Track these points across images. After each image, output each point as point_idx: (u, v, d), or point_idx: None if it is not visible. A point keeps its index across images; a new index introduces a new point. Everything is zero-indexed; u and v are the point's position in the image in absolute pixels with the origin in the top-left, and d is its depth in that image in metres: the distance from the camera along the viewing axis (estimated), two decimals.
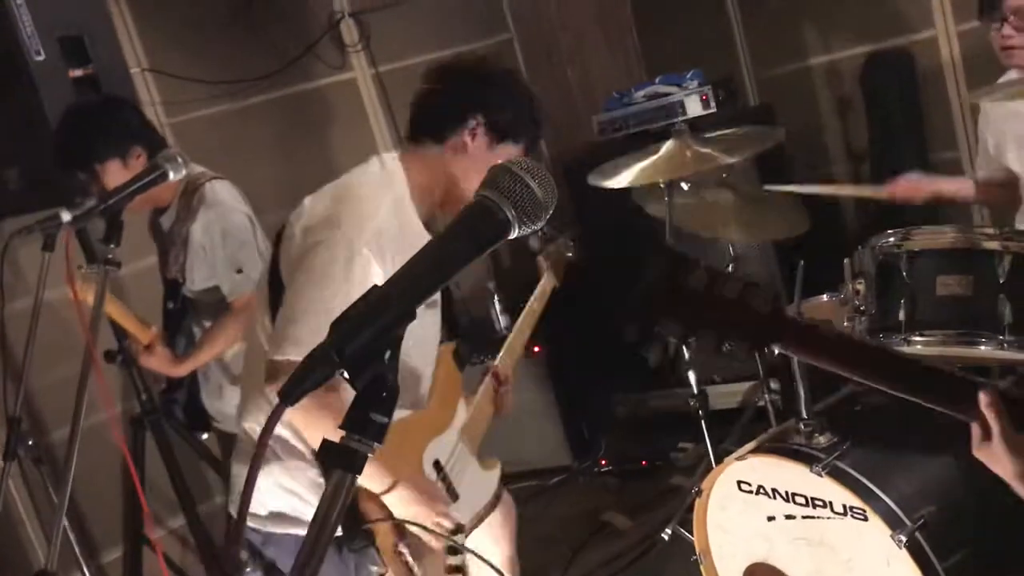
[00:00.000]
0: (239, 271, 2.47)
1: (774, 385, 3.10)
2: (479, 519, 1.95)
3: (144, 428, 2.97)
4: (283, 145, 3.83)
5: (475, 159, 1.77)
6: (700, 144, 2.68)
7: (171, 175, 1.87)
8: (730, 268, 2.93)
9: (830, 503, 2.08)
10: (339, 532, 1.70)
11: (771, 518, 2.21)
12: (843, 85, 3.91)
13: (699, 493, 2.34)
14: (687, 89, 3.64)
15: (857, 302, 2.12)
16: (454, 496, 1.87)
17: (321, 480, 1.74)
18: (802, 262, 2.27)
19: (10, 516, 3.23)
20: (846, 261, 2.16)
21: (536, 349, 3.76)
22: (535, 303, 2.29)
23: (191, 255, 2.50)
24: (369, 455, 0.68)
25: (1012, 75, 2.57)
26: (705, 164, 2.61)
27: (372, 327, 0.69)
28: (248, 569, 3.32)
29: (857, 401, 2.35)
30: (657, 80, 3.78)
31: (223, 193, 2.51)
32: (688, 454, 3.60)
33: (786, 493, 2.17)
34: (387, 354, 0.69)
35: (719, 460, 2.65)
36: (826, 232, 3.58)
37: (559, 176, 4.34)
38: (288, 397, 0.67)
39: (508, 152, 1.81)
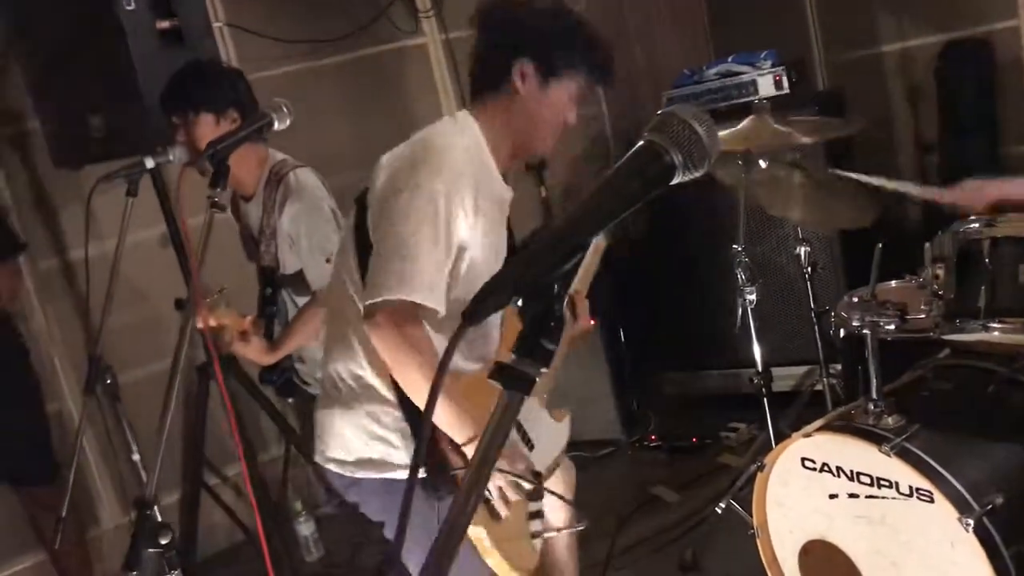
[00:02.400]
0: (328, 260, 2.47)
1: (833, 369, 3.11)
2: (555, 466, 1.99)
3: (208, 377, 3.05)
4: (354, 107, 3.87)
5: (532, 101, 1.79)
6: (779, 122, 2.68)
7: (276, 124, 1.91)
8: (800, 249, 2.93)
9: (896, 484, 2.09)
10: (424, 476, 1.77)
11: (833, 496, 2.23)
12: (916, 73, 3.87)
13: (761, 467, 2.36)
14: (760, 69, 3.63)
15: (936, 286, 2.12)
16: (530, 446, 1.91)
17: (405, 424, 1.79)
18: (880, 245, 2.26)
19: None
20: (927, 245, 2.15)
21: (591, 322, 3.78)
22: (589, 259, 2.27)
23: (281, 244, 2.55)
24: (538, 378, 0.72)
25: None
26: (783, 141, 2.61)
27: (545, 260, 0.72)
28: (301, 519, 3.39)
29: (924, 387, 2.35)
30: (730, 59, 3.77)
31: (307, 183, 2.54)
32: (739, 434, 3.62)
33: (851, 472, 2.18)
34: (556, 287, 0.72)
35: (777, 441, 2.67)
36: (893, 218, 3.57)
37: (623, 151, 4.34)
38: (472, 318, 0.70)
39: (566, 90, 1.81)
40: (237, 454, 3.28)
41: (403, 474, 1.81)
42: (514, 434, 1.87)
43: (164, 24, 2.91)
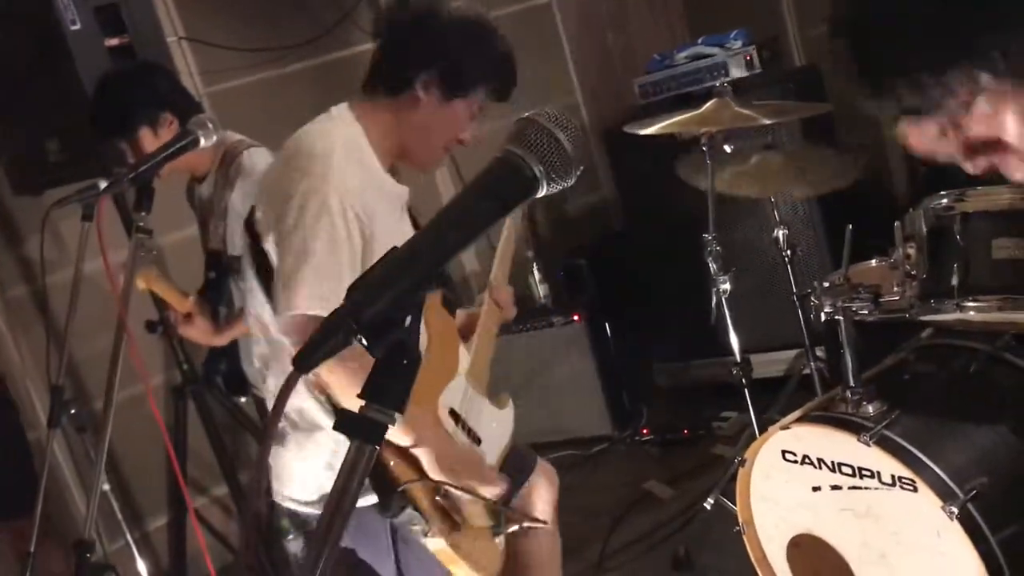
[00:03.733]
0: None
1: (819, 353, 3.04)
2: (505, 455, 1.95)
3: (186, 397, 3.00)
4: (320, 112, 3.80)
5: (430, 114, 1.76)
6: (741, 105, 2.60)
7: (202, 141, 1.85)
8: (777, 233, 2.85)
9: (878, 473, 2.03)
10: (373, 500, 1.71)
11: (816, 488, 2.16)
12: None
13: (742, 463, 2.29)
14: (730, 50, 3.55)
15: (908, 266, 2.05)
16: (476, 440, 1.86)
17: None
18: (850, 226, 2.19)
19: (57, 483, 3.29)
20: (896, 224, 2.08)
21: (575, 317, 3.72)
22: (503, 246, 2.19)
23: (230, 224, 2.49)
24: (389, 425, 0.65)
25: None
26: (746, 123, 2.53)
27: (391, 291, 0.65)
28: (290, 537, 3.34)
29: (905, 369, 2.28)
30: (699, 41, 3.69)
31: (261, 162, 2.49)
32: (731, 423, 3.55)
33: (832, 463, 2.11)
34: (408, 319, 0.65)
35: (763, 430, 2.60)
36: (874, 196, 3.49)
37: (599, 141, 4.28)
38: (302, 365, 0.64)
39: (467, 107, 1.78)
40: (222, 474, 3.25)
41: (362, 502, 1.76)
42: (452, 424, 1.81)
43: (114, 41, 2.86)
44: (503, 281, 2.11)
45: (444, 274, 1.98)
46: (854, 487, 2.09)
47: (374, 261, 1.63)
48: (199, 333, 2.54)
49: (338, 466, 1.71)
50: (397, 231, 1.80)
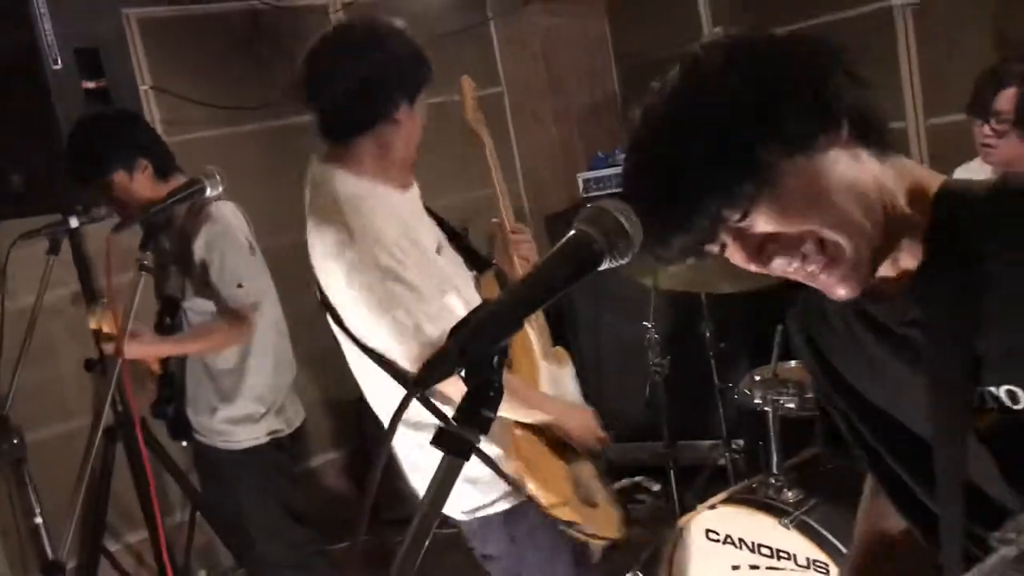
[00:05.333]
0: (239, 285, 2.53)
1: (736, 444, 3.23)
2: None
3: (116, 439, 2.99)
4: (274, 173, 3.91)
5: (408, 126, 1.89)
6: None
7: (208, 191, 1.95)
8: (706, 329, 3.06)
9: (794, 556, 2.20)
10: (502, 508, 1.87)
11: (736, 567, 2.32)
12: None
13: (667, 541, 2.44)
14: None
15: None
16: None
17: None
18: (781, 327, 2.40)
19: None
20: None
21: None
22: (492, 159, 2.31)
23: (192, 271, 2.55)
24: (475, 443, 0.78)
25: (972, 165, 2.79)
26: None
27: (485, 337, 0.79)
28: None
29: (823, 462, 2.48)
30: None
31: (227, 213, 2.57)
32: (646, 507, 3.70)
33: (752, 544, 2.28)
34: (495, 360, 0.79)
35: (684, 512, 2.76)
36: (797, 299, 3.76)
37: (542, 228, 4.49)
38: (420, 384, 0.76)
39: (424, 102, 1.92)
40: (138, 518, 3.21)
41: (490, 510, 1.91)
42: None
43: (91, 84, 2.93)
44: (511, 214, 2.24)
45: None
46: (771, 568, 2.26)
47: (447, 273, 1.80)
48: (143, 346, 2.47)
49: (473, 476, 1.85)
50: (433, 240, 1.94)
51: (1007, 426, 0.96)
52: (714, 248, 0.99)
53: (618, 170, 3.89)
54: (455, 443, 0.77)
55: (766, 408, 2.34)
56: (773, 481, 2.29)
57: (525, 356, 2.05)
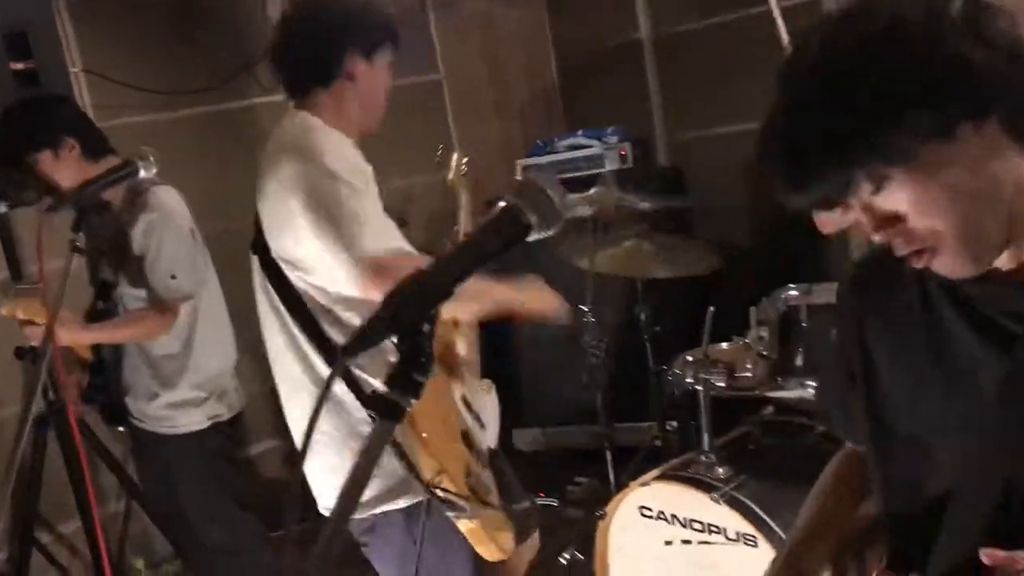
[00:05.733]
0: (173, 277, 2.52)
1: (671, 425, 3.31)
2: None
3: (47, 427, 2.95)
4: (211, 159, 3.87)
5: (365, 84, 1.92)
6: (623, 193, 2.89)
7: (142, 172, 1.94)
8: (641, 313, 3.13)
9: (724, 530, 2.27)
10: (400, 505, 1.82)
11: (668, 543, 2.39)
12: (748, 155, 4.21)
13: (602, 516, 2.50)
14: (607, 144, 3.87)
15: (760, 347, 2.34)
16: (481, 425, 2.04)
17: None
18: (712, 309, 2.47)
19: None
20: (752, 309, 2.38)
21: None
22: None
23: (128, 258, 2.53)
24: (408, 408, 0.81)
25: None
26: (624, 212, 2.82)
27: (417, 304, 0.82)
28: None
29: (751, 440, 2.56)
30: (580, 133, 4.00)
31: (167, 200, 2.56)
32: (584, 488, 3.76)
33: (685, 519, 2.35)
34: (426, 327, 0.82)
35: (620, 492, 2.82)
36: (729, 285, 3.84)
37: (566, 210, 4.49)
38: (350, 352, 0.79)
39: (385, 63, 1.96)
40: (71, 508, 3.16)
41: (387, 507, 1.87)
42: (464, 409, 1.98)
43: (19, 66, 2.87)
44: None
45: None
46: (703, 542, 2.32)
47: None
48: (68, 331, 2.43)
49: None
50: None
51: None
52: (841, 207, 0.99)
53: (557, 157, 3.96)
54: (387, 407, 0.80)
55: (697, 388, 2.40)
56: (704, 458, 2.36)
57: (444, 348, 2.05)
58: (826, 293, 2.30)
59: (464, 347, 2.10)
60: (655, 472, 2.44)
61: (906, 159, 0.93)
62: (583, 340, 2.89)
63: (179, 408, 2.67)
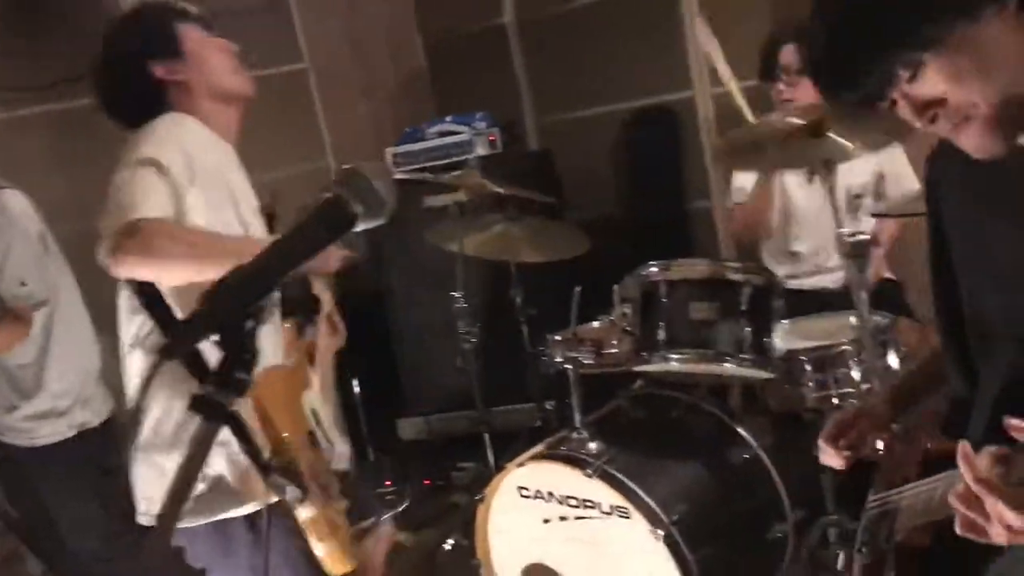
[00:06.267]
0: (23, 284, 2.43)
1: (549, 405, 3.36)
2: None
3: None
4: (61, 159, 3.71)
5: (193, 73, 1.87)
6: (489, 179, 2.90)
7: None
8: (516, 296, 3.16)
9: (599, 504, 2.32)
10: (240, 513, 1.75)
11: (547, 520, 2.43)
12: (614, 136, 4.30)
13: (482, 500, 2.52)
14: (476, 129, 3.88)
15: (624, 324, 2.40)
16: (329, 443, 1.97)
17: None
18: (578, 288, 2.51)
19: None
20: (615, 288, 2.43)
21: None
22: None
23: None
24: (231, 407, 0.79)
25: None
26: (489, 197, 2.83)
27: (238, 300, 0.80)
28: None
29: (622, 414, 2.62)
30: (448, 119, 3.99)
31: (14, 204, 2.45)
32: (469, 472, 3.78)
33: (561, 496, 2.39)
34: (250, 323, 0.80)
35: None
36: (601, 264, 3.91)
37: (394, 198, 4.43)
38: (168, 353, 0.77)
39: (195, 43, 1.89)
40: None
41: (227, 514, 1.79)
42: (312, 421, 1.92)
43: None
44: (331, 309, 2.22)
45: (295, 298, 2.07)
46: (579, 517, 2.37)
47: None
48: None
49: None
50: (228, 212, 1.85)
51: None
52: (886, 104, 1.11)
53: (427, 144, 3.95)
54: (211, 408, 0.78)
55: (567, 366, 2.44)
56: (576, 435, 2.40)
57: (300, 363, 2.02)
58: (684, 269, 2.37)
59: (319, 368, 2.08)
60: (530, 452, 2.47)
61: (938, 43, 1.05)
62: (457, 326, 2.89)
63: (41, 419, 2.57)
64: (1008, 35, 1.07)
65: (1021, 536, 0.93)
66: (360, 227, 0.88)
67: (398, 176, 2.88)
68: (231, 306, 0.80)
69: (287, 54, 4.49)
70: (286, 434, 1.72)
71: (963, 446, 0.99)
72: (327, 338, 2.19)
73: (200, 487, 1.77)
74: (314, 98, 4.57)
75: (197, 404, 0.78)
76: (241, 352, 0.80)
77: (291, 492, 1.62)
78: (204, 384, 0.79)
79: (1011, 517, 0.92)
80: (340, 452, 2.09)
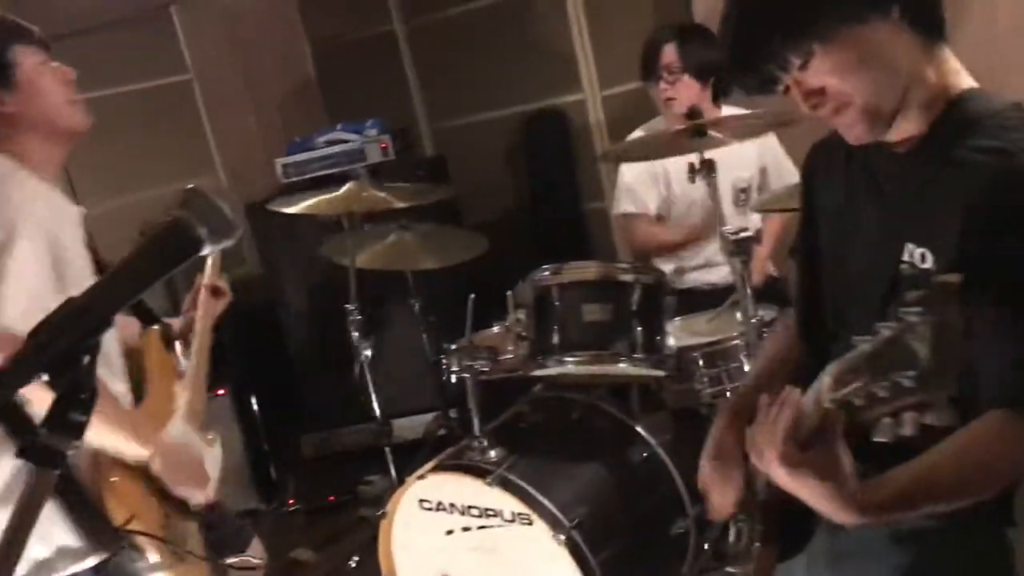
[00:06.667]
0: None
1: (454, 413, 3.33)
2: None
3: None
4: None
5: (23, 104, 1.74)
6: (377, 189, 2.86)
7: None
8: (415, 304, 3.12)
9: (501, 512, 2.30)
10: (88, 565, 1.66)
11: (450, 532, 2.39)
12: (508, 140, 4.30)
13: (384, 515, 2.47)
14: (367, 137, 3.82)
15: (519, 330, 2.39)
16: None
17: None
18: (472, 296, 2.49)
19: None
20: (508, 293, 2.42)
21: (220, 392, 3.72)
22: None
23: None
24: (68, 451, 0.74)
25: (653, 123, 3.06)
26: (381, 205, 2.79)
27: (70, 335, 0.75)
28: None
29: (522, 419, 2.61)
30: (339, 127, 3.93)
31: None
32: (374, 486, 3.72)
33: (463, 507, 2.36)
34: (85, 359, 0.75)
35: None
36: (500, 269, 3.91)
37: (243, 216, 4.33)
38: None
39: (32, 68, 1.77)
40: None
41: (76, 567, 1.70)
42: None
43: None
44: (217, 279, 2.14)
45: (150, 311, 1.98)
46: (482, 527, 2.34)
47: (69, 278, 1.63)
48: None
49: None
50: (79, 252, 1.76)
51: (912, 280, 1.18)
52: (781, 88, 1.23)
53: (317, 154, 3.87)
54: (44, 454, 0.73)
55: (464, 375, 2.42)
56: (476, 444, 2.38)
57: (162, 394, 1.94)
58: (575, 272, 2.38)
59: (185, 394, 1.99)
60: (430, 464, 2.44)
61: (828, 36, 1.17)
62: (352, 339, 2.84)
63: None
64: (889, 42, 1.19)
65: (761, 465, 1.15)
66: (206, 252, 0.84)
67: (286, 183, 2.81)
68: (63, 343, 0.74)
69: (171, 65, 4.36)
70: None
71: (789, 390, 1.12)
72: (209, 304, 2.13)
73: (43, 553, 1.69)
74: (200, 110, 4.45)
75: (28, 451, 0.72)
76: (77, 391, 0.75)
77: (138, 563, 1.58)
78: (37, 428, 0.73)
79: (765, 453, 1.13)
80: (213, 456, 2.03)
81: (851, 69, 1.18)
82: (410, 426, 3.68)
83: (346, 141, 3.82)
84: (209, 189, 0.85)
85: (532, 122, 4.21)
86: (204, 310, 2.11)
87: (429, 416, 3.74)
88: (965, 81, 1.26)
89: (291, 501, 3.80)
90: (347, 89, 4.56)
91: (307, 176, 3.82)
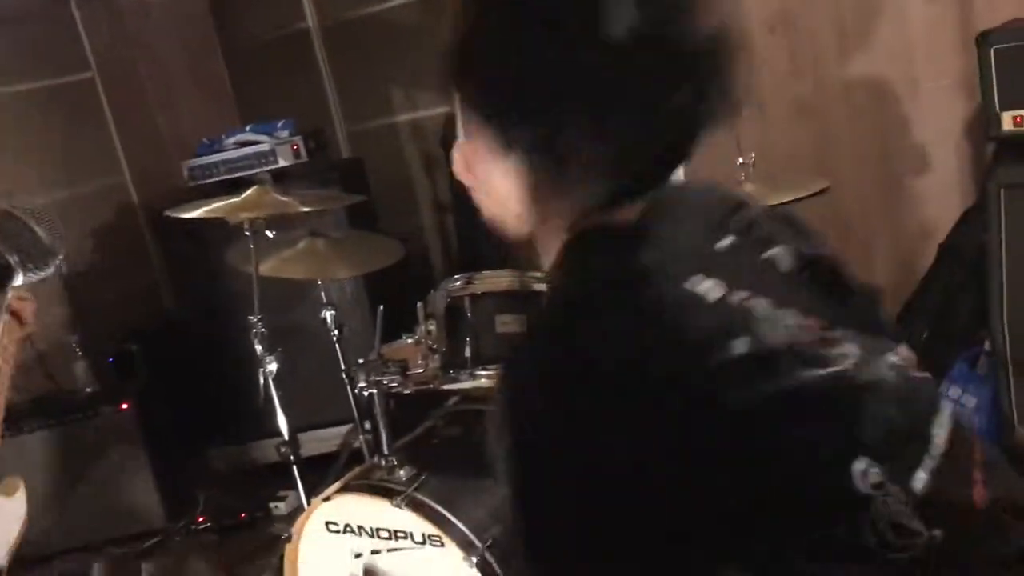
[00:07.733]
0: None
1: (368, 426, 3.20)
2: (17, 548, 1.79)
3: None
4: None
5: None
6: (282, 192, 2.73)
7: None
8: (325, 313, 3.00)
9: (411, 534, 2.21)
10: None
11: (358, 555, 2.29)
12: (427, 141, 4.19)
13: (289, 538, 2.36)
14: (278, 138, 3.68)
15: (430, 342, 2.29)
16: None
17: None
18: (382, 307, 2.39)
19: None
20: (419, 304, 2.32)
21: (124, 406, 3.54)
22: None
23: None
24: None
25: None
26: (284, 210, 2.66)
27: None
28: None
29: (435, 435, 2.52)
30: (248, 128, 3.78)
31: None
32: (288, 502, 3.59)
33: (372, 529, 2.26)
34: None
35: None
36: (416, 278, 3.80)
37: (148, 223, 4.16)
38: None
39: None
40: None
41: None
42: None
43: None
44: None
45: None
46: (392, 549, 2.25)
47: None
48: None
49: None
50: None
51: None
52: None
53: (225, 156, 3.72)
54: None
55: (372, 390, 2.31)
56: (384, 463, 2.28)
57: None
58: (488, 282, 2.29)
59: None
60: (338, 484, 2.33)
61: (467, 133, 1.06)
62: (256, 352, 2.70)
63: None
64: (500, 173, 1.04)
65: None
66: (19, 281, 0.72)
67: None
68: None
69: (72, 63, 4.15)
70: None
71: None
72: (13, 331, 1.92)
73: None
74: (104, 109, 4.25)
75: None
76: None
77: None
78: None
79: None
80: (11, 511, 1.84)
81: (476, 169, 1.09)
82: (323, 439, 3.56)
83: (256, 143, 3.67)
84: (22, 210, 0.73)
85: (452, 125, 4.10)
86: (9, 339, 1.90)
87: (344, 428, 3.62)
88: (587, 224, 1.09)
89: (201, 519, 3.64)
90: (261, 89, 4.40)
91: (215, 179, 3.67)
